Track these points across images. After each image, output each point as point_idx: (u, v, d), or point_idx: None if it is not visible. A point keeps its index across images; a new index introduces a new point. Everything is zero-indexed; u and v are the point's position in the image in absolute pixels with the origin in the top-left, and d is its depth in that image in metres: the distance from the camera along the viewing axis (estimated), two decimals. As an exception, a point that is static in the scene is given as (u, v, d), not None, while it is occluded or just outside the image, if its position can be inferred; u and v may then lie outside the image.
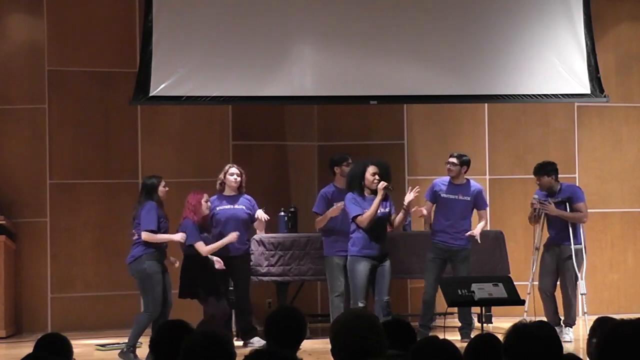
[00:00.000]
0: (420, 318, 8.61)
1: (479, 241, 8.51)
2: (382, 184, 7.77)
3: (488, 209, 8.83)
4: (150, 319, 7.63)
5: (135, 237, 7.82)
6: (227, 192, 8.46)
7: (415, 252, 8.88)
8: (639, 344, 2.67)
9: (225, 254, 8.27)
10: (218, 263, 7.99)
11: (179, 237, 7.87)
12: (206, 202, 8.12)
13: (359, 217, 7.82)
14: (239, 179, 8.44)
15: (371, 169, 7.87)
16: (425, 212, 8.54)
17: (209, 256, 8.01)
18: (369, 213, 7.76)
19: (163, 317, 7.57)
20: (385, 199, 7.86)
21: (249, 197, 8.53)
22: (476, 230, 8.50)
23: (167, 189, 7.95)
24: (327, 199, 8.54)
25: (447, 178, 8.68)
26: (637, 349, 2.66)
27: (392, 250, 8.47)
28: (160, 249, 7.81)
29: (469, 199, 8.58)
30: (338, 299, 8.33)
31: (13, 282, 9.48)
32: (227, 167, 8.53)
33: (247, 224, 8.47)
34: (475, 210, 8.68)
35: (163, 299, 7.70)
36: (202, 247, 7.94)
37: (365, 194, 7.89)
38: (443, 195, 8.59)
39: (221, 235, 8.27)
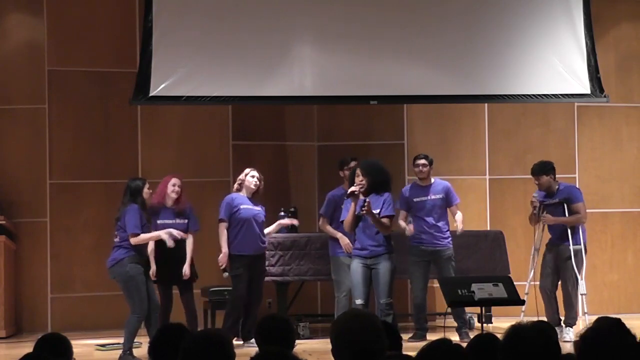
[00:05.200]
0: (414, 322, 8.64)
1: (462, 230, 8.53)
2: (352, 188, 7.75)
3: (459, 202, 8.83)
4: (139, 321, 7.61)
5: (117, 239, 7.78)
6: (244, 193, 8.45)
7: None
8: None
9: (248, 252, 8.28)
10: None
11: (164, 234, 7.84)
12: (173, 185, 8.17)
13: (343, 222, 7.91)
14: (258, 183, 8.42)
15: (357, 171, 7.86)
16: (412, 231, 8.55)
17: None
18: (346, 219, 7.80)
19: (153, 319, 7.57)
20: (366, 196, 7.79)
21: (261, 205, 8.55)
22: (459, 224, 8.51)
23: (150, 191, 7.93)
24: (334, 202, 8.54)
25: (412, 183, 8.75)
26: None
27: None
28: (141, 252, 7.79)
29: (440, 196, 8.61)
30: (345, 298, 8.33)
31: (13, 282, 9.47)
32: (248, 170, 8.50)
33: (264, 227, 8.49)
34: (449, 209, 8.69)
35: (150, 300, 7.67)
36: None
37: (360, 197, 7.85)
38: (415, 199, 8.63)
39: (245, 234, 8.28)
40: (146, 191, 7.83)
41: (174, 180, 8.23)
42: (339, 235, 8.40)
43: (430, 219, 8.55)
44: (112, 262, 7.74)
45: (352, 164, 8.64)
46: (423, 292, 8.55)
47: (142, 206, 7.77)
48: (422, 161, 8.66)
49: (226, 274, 8.42)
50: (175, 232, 7.90)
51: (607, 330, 3.02)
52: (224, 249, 8.30)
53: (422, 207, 8.60)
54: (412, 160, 8.84)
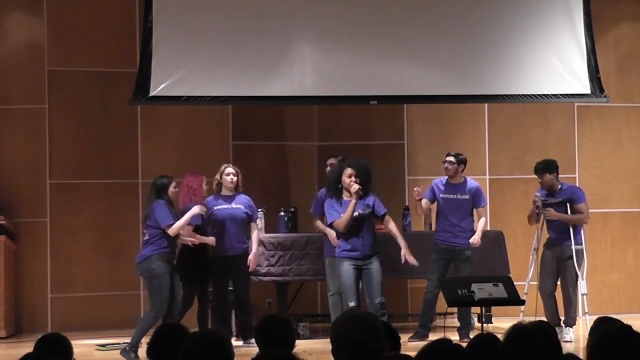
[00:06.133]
0: (420, 317, 8.61)
1: (478, 244, 8.53)
2: (355, 187, 7.70)
3: (487, 207, 8.81)
4: (155, 319, 7.64)
5: (146, 237, 7.85)
6: (224, 192, 8.46)
7: (415, 252, 8.86)
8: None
9: (224, 253, 8.29)
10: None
11: (196, 209, 7.91)
12: (205, 185, 8.37)
13: (335, 222, 7.74)
14: (235, 178, 8.43)
15: (347, 172, 7.76)
16: (422, 199, 8.58)
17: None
18: (343, 218, 7.65)
19: (170, 317, 7.60)
20: (361, 198, 7.75)
21: (247, 197, 8.53)
22: (476, 236, 8.51)
23: (177, 189, 7.97)
24: (322, 201, 8.54)
25: (445, 178, 8.69)
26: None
27: (392, 250, 8.48)
28: (171, 249, 7.84)
29: (467, 197, 8.59)
30: (334, 298, 8.32)
31: (13, 282, 9.48)
32: (222, 168, 8.52)
33: (245, 223, 8.46)
34: (474, 209, 8.68)
35: (171, 299, 7.72)
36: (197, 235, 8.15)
37: (344, 197, 7.80)
38: (442, 195, 8.61)
39: (220, 236, 8.29)
40: (172, 190, 7.88)
41: (204, 179, 8.39)
42: (327, 230, 8.33)
43: (453, 218, 8.52)
44: (140, 258, 7.81)
45: (332, 160, 8.62)
46: (436, 289, 8.51)
47: (168, 204, 7.83)
48: (449, 158, 8.62)
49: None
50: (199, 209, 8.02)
51: (618, 335, 3.00)
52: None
53: (448, 204, 8.58)
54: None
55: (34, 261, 9.75)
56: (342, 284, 7.71)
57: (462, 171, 8.67)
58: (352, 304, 7.56)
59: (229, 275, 8.40)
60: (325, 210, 7.85)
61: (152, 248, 7.75)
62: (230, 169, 8.46)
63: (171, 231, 7.71)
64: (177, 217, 7.89)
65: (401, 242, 7.86)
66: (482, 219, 8.63)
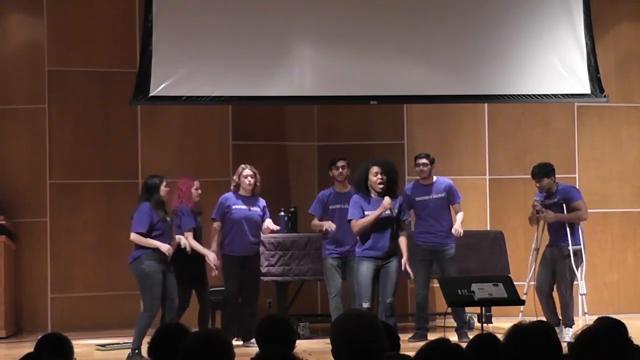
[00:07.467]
0: (415, 321, 8.63)
1: (461, 235, 8.52)
2: (387, 201, 7.72)
3: (461, 201, 8.82)
4: (150, 319, 7.63)
5: None
6: (242, 192, 8.45)
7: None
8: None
9: (239, 253, 8.30)
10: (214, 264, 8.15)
11: (165, 248, 7.73)
12: (197, 189, 8.32)
13: (352, 221, 7.81)
14: (252, 180, 8.41)
15: (374, 170, 7.83)
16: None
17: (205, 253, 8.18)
18: (362, 222, 7.74)
19: (169, 318, 7.57)
20: (394, 197, 7.84)
21: (264, 201, 8.54)
22: (457, 226, 8.51)
23: (168, 189, 7.95)
24: (324, 202, 8.55)
25: (414, 181, 8.77)
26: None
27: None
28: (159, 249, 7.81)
29: (443, 195, 8.63)
30: (336, 300, 8.34)
31: (13, 282, 9.48)
32: (240, 169, 8.47)
33: (259, 226, 8.47)
34: (451, 207, 8.70)
35: (166, 299, 7.69)
36: (190, 238, 8.15)
37: (372, 195, 7.86)
38: (417, 199, 8.62)
39: (235, 235, 8.28)
40: (163, 189, 7.85)
41: (197, 184, 8.34)
42: (320, 223, 8.43)
43: (432, 219, 8.55)
44: (131, 259, 7.82)
45: (342, 162, 8.62)
46: (425, 291, 8.57)
47: (157, 204, 7.78)
48: (423, 160, 8.66)
49: (215, 272, 8.41)
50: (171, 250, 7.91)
51: (602, 333, 3.00)
52: (212, 248, 8.33)
53: (424, 206, 8.60)
54: (414, 159, 8.83)
55: (34, 261, 9.75)
56: (358, 284, 7.73)
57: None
58: (365, 305, 7.59)
59: (238, 272, 8.36)
60: (351, 205, 7.89)
61: (141, 249, 7.73)
62: (248, 171, 8.42)
63: (133, 238, 7.70)
64: (171, 217, 7.90)
65: (405, 252, 7.85)
66: (460, 213, 8.64)
